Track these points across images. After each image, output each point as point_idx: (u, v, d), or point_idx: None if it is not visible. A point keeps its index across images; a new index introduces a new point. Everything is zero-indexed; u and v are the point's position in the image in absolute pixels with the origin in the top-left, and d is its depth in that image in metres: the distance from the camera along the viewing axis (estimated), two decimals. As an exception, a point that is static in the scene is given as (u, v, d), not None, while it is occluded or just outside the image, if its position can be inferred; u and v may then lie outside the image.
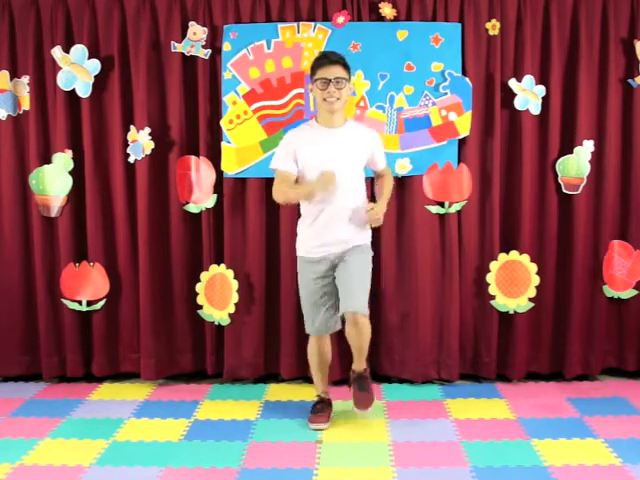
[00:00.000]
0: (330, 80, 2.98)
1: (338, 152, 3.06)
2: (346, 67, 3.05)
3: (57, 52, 3.56)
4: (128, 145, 3.63)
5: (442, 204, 3.64)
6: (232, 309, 3.67)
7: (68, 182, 3.68)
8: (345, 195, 3.05)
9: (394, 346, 3.72)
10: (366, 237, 3.19)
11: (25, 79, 3.66)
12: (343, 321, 3.15)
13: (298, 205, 3.22)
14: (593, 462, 2.80)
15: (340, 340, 3.35)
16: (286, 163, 3.09)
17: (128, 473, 2.76)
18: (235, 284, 3.65)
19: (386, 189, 3.25)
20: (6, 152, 3.71)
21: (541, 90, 3.58)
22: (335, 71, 2.99)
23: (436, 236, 3.65)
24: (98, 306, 3.74)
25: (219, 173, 3.66)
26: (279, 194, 3.11)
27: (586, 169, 3.63)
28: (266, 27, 3.56)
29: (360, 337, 3.10)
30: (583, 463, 2.79)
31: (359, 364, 3.23)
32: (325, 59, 3.03)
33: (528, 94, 3.56)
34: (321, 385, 3.32)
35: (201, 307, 3.73)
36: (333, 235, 3.08)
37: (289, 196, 3.12)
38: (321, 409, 3.25)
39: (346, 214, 3.08)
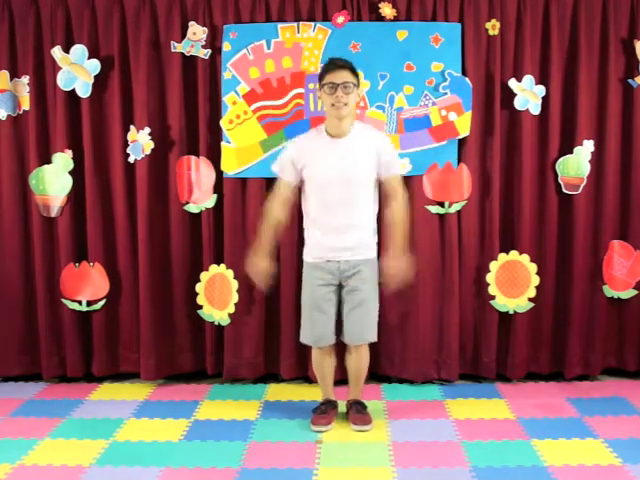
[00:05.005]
0: (338, 85, 2.94)
1: (342, 165, 3.02)
2: (354, 72, 3.01)
3: (57, 52, 3.55)
4: (128, 145, 3.63)
5: (442, 204, 3.64)
6: (232, 309, 3.67)
7: (68, 182, 3.68)
8: (348, 210, 3.03)
9: (394, 346, 3.72)
10: (373, 247, 3.16)
11: (25, 79, 3.66)
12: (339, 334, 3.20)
13: (300, 207, 3.23)
14: (593, 462, 2.80)
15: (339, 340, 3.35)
16: (285, 172, 3.13)
17: (128, 473, 2.76)
18: (235, 284, 3.65)
19: (397, 228, 3.06)
20: (6, 152, 3.71)
21: (541, 90, 3.58)
22: (343, 76, 2.96)
23: (436, 236, 3.65)
24: (98, 306, 3.75)
25: (219, 173, 3.66)
26: (267, 210, 3.14)
27: (586, 169, 3.63)
28: (266, 27, 3.56)
29: (359, 362, 3.20)
30: (583, 463, 2.79)
31: (356, 392, 3.26)
32: (333, 64, 3.00)
33: (528, 94, 3.56)
34: (325, 391, 3.31)
35: (201, 307, 3.74)
36: (337, 243, 3.05)
37: (262, 229, 3.14)
38: (324, 410, 3.22)
39: (349, 228, 3.04)
